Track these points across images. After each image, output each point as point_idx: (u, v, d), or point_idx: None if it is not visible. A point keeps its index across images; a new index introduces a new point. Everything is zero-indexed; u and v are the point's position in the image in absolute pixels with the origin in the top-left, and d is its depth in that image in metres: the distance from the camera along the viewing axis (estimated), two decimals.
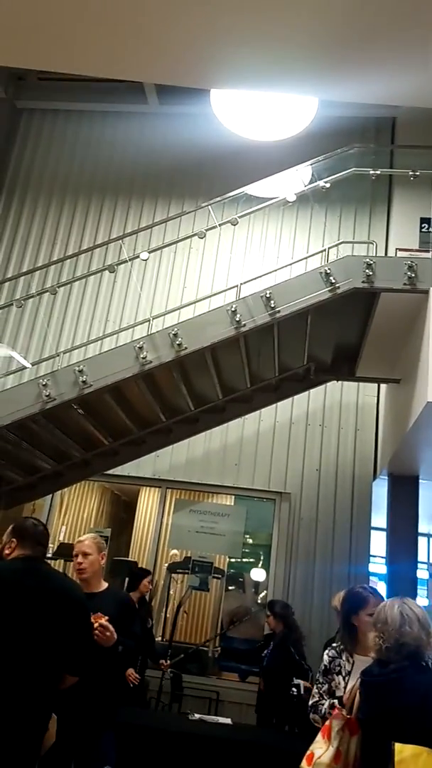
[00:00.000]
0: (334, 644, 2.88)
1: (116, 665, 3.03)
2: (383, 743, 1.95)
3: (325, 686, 2.75)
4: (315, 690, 2.79)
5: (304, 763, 2.25)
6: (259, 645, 5.13)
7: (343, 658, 2.76)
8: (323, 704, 2.70)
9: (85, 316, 6.73)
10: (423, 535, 8.29)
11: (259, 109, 5.51)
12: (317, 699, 2.76)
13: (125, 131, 7.44)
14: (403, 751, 1.87)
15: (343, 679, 2.70)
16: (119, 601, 3.10)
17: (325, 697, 2.73)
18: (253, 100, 5.38)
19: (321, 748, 2.20)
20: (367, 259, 4.05)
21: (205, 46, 3.69)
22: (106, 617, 2.83)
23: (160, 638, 6.56)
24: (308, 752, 2.26)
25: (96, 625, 2.80)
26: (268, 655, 4.65)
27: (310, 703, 2.77)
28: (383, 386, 5.85)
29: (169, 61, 3.84)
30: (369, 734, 2.09)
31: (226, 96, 5.52)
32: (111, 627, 2.82)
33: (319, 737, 2.27)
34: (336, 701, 2.61)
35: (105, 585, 3.15)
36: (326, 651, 2.84)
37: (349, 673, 2.69)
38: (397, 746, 1.88)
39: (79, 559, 3.07)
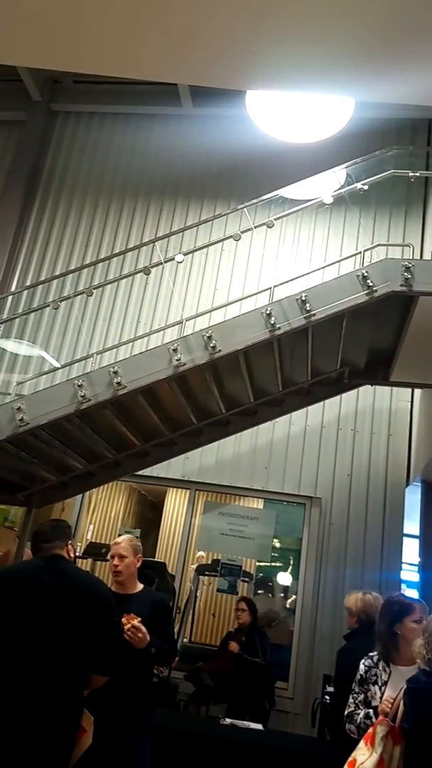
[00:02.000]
0: (371, 654, 2.83)
1: (150, 667, 3.02)
2: (430, 751, 1.93)
3: (361, 696, 2.72)
4: (351, 700, 2.76)
5: None
6: None
7: (380, 667, 2.72)
8: (359, 714, 2.67)
9: (117, 318, 6.79)
10: None
11: (294, 111, 5.49)
12: (353, 709, 2.72)
13: (159, 134, 7.49)
14: None
15: (380, 689, 2.66)
16: (154, 603, 3.10)
17: (361, 707, 2.70)
18: (288, 102, 5.36)
19: (364, 755, 2.19)
20: (406, 263, 3.99)
21: (241, 46, 3.66)
22: (139, 618, 2.83)
23: (187, 639, 6.57)
24: (350, 758, 2.26)
25: (128, 626, 2.81)
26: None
27: (346, 713, 2.74)
28: (417, 391, 5.75)
29: (203, 62, 3.82)
30: (414, 742, 2.07)
31: (261, 98, 5.51)
32: (143, 628, 2.82)
33: (361, 744, 2.26)
34: (371, 711, 2.58)
35: (141, 586, 3.16)
36: (363, 661, 2.80)
37: (385, 683, 2.65)
38: None
39: (116, 561, 3.08)
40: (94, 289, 5.34)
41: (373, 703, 2.63)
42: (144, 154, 7.46)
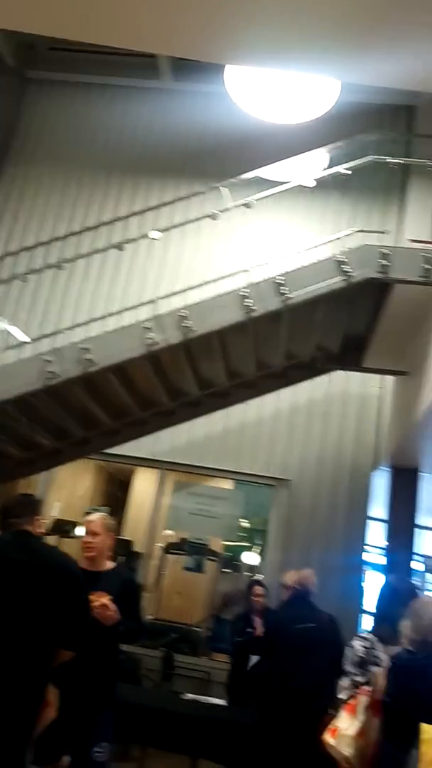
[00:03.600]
0: (364, 635, 2.87)
1: (117, 644, 3.03)
2: (408, 724, 2.00)
3: (362, 678, 2.70)
4: (348, 682, 2.78)
5: (327, 736, 2.31)
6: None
7: (379, 649, 2.75)
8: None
9: (89, 294, 6.66)
10: (421, 527, 8.36)
11: (275, 91, 5.40)
12: (353, 691, 2.75)
13: (137, 107, 7.30)
14: (429, 731, 1.95)
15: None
16: (123, 581, 3.10)
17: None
18: (269, 81, 5.27)
19: (345, 723, 2.27)
20: (383, 249, 4.01)
21: (224, 19, 3.57)
22: (109, 596, 2.83)
23: (152, 616, 6.62)
24: (332, 726, 2.34)
25: (97, 603, 2.80)
26: None
27: (345, 695, 2.77)
28: (389, 378, 5.83)
29: (185, 33, 3.71)
30: (394, 715, 2.15)
31: (242, 76, 5.40)
32: (112, 606, 2.82)
33: (343, 714, 2.33)
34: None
35: (111, 564, 3.15)
36: (357, 642, 2.82)
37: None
38: (424, 726, 1.96)
39: (88, 538, 3.07)
40: (65, 263, 5.22)
41: None
42: (120, 127, 7.27)
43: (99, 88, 7.47)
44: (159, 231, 5.03)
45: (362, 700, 2.27)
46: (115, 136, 7.26)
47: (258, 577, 5.82)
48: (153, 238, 5.11)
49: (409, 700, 2.11)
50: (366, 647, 2.78)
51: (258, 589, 4.75)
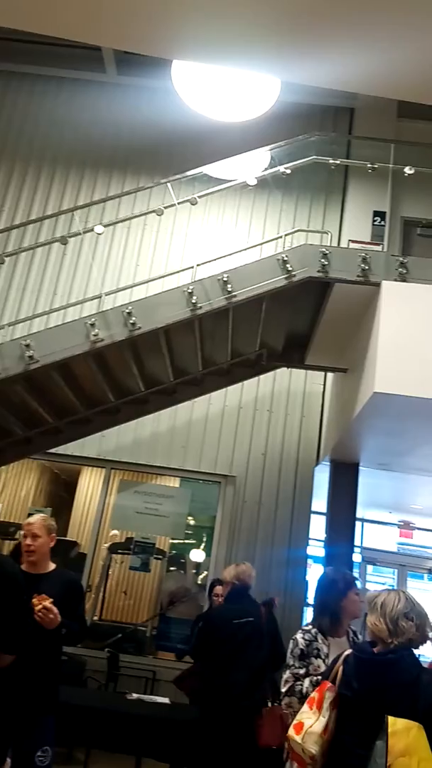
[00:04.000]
0: (305, 627, 2.91)
1: (59, 647, 2.97)
2: (373, 718, 2.01)
3: (302, 671, 2.77)
4: (289, 674, 2.80)
5: (291, 732, 2.21)
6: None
7: (320, 640, 2.81)
8: (302, 684, 2.73)
9: (31, 289, 6.49)
10: (359, 520, 8.63)
11: (221, 88, 5.42)
12: (293, 683, 2.77)
13: (82, 99, 7.16)
14: (396, 723, 1.94)
15: (323, 661, 2.75)
16: (66, 583, 3.05)
17: (302, 680, 2.75)
18: (215, 78, 5.29)
19: (310, 718, 2.17)
20: (323, 249, 4.10)
21: (165, 12, 3.54)
22: (51, 599, 2.78)
23: (97, 617, 6.54)
24: (295, 722, 2.23)
25: (39, 606, 2.75)
26: None
27: (285, 688, 2.80)
28: (330, 375, 5.97)
29: (126, 25, 3.66)
30: (357, 709, 2.11)
31: (188, 72, 5.39)
32: (54, 609, 2.77)
33: (306, 708, 2.23)
34: (319, 678, 2.58)
35: (52, 566, 3.10)
36: (299, 635, 2.86)
37: (327, 656, 2.74)
38: (390, 719, 1.95)
39: (28, 540, 3.00)
40: (6, 256, 5.07)
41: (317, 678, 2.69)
42: (64, 120, 7.11)
43: (42, 79, 7.29)
44: (103, 225, 4.95)
45: (328, 695, 2.18)
46: (59, 129, 7.11)
47: (225, 575, 5.81)
48: (97, 233, 5.04)
49: (377, 695, 2.08)
50: (307, 639, 2.83)
51: (218, 589, 4.77)
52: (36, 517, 3.12)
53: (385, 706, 2.03)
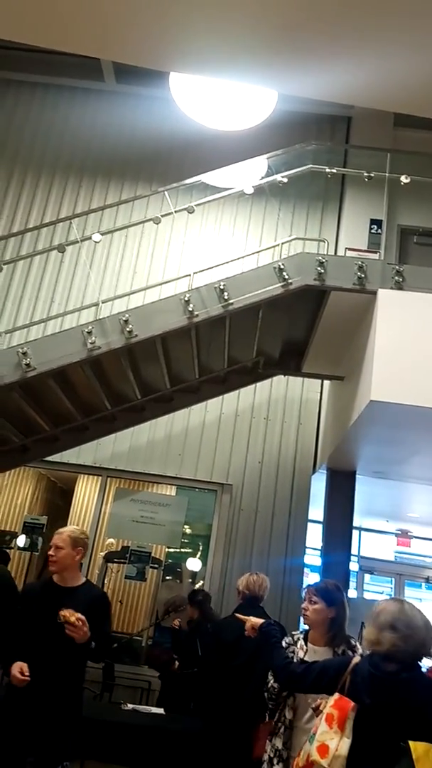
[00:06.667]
0: (293, 633, 2.92)
1: (85, 661, 2.96)
2: (388, 736, 1.98)
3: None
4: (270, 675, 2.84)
5: (316, 757, 2.05)
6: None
7: (298, 646, 2.81)
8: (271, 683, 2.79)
9: (29, 297, 6.49)
10: (355, 528, 8.59)
11: (219, 97, 5.46)
12: (271, 683, 2.81)
13: (80, 108, 7.20)
14: (417, 749, 1.90)
15: None
16: (91, 598, 3.02)
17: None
18: (213, 88, 5.33)
19: (333, 739, 2.04)
20: (320, 257, 4.11)
21: (164, 26, 3.57)
22: (79, 614, 2.77)
23: None
24: (317, 743, 2.08)
25: (72, 619, 2.74)
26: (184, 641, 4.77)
27: (268, 686, 2.82)
28: (327, 383, 5.97)
29: (125, 39, 3.70)
30: (371, 725, 2.06)
31: (186, 81, 5.43)
32: (85, 623, 2.76)
33: (324, 726, 2.09)
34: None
35: (82, 580, 3.10)
36: (285, 639, 2.87)
37: (301, 660, 2.73)
38: (411, 744, 1.90)
39: (51, 551, 3.03)
40: (4, 264, 5.08)
41: None
42: (62, 128, 7.15)
43: (41, 87, 7.33)
44: (101, 233, 4.96)
45: (351, 714, 2.05)
46: (58, 137, 7.14)
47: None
48: (95, 241, 5.05)
49: (390, 712, 2.02)
50: (287, 643, 2.83)
51: (176, 622, 4.75)
52: (64, 529, 3.13)
53: (398, 725, 2.00)
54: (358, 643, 2.82)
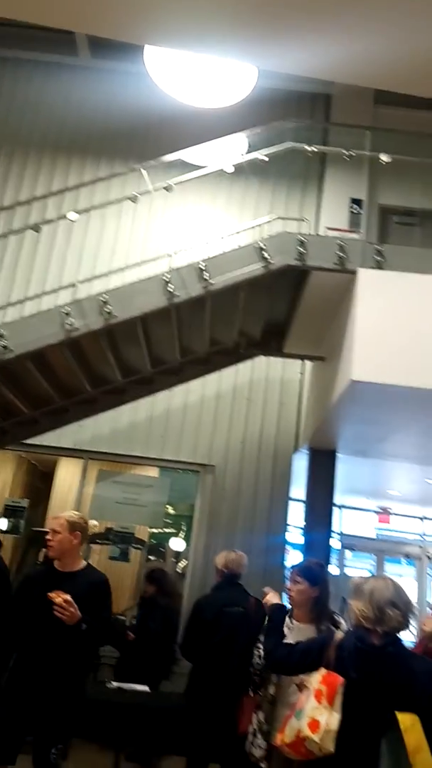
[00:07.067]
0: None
1: (81, 643, 2.94)
2: (375, 709, 2.03)
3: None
4: (257, 651, 2.90)
5: (308, 732, 2.07)
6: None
7: (286, 622, 2.86)
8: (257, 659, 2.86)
9: (4, 278, 6.37)
10: (338, 506, 8.72)
11: (197, 73, 5.35)
12: (256, 660, 2.87)
13: (55, 83, 7.01)
14: (405, 720, 1.95)
15: None
16: (91, 582, 3.03)
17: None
18: (190, 63, 5.21)
19: (323, 715, 2.07)
20: (301, 237, 4.08)
21: None
22: (67, 595, 2.79)
23: None
24: (308, 719, 2.10)
25: (58, 600, 2.76)
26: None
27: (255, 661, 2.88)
28: (308, 363, 5.99)
29: (99, 11, 3.59)
30: (358, 699, 2.10)
31: (162, 56, 5.30)
32: (73, 604, 2.77)
33: (314, 702, 2.11)
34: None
35: (82, 564, 3.11)
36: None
37: (285, 637, 2.78)
38: (399, 716, 1.95)
39: (49, 535, 3.03)
40: None
41: None
42: (36, 104, 6.96)
43: (12, 62, 7.11)
44: (77, 213, 4.87)
45: (341, 690, 2.09)
46: (32, 113, 6.95)
47: None
48: (71, 220, 4.95)
49: (377, 686, 2.06)
50: None
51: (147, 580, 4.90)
52: (65, 513, 3.13)
53: (385, 698, 2.05)
54: (341, 619, 2.87)
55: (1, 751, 2.80)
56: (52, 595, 2.77)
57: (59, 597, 2.76)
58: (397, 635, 2.17)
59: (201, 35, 3.64)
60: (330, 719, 2.07)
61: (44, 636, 2.85)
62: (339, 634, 2.34)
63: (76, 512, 3.25)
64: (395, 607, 2.15)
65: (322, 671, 2.21)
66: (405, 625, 2.17)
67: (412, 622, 2.26)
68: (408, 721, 1.95)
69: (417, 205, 6.10)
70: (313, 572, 2.93)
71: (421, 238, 6.34)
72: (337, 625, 2.84)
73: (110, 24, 3.79)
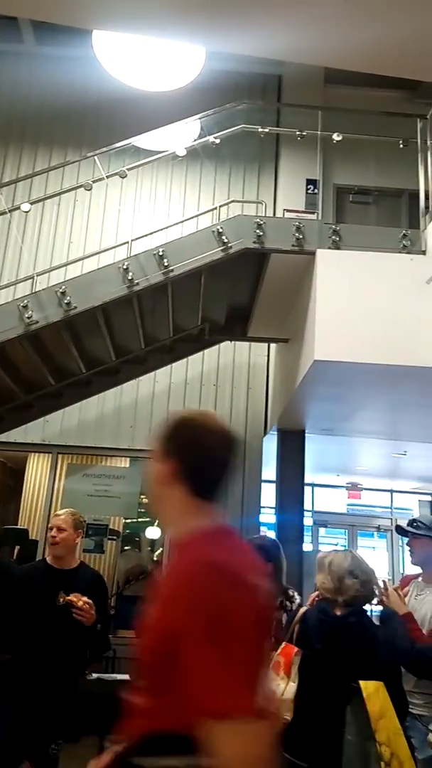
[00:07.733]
0: None
1: (89, 643, 2.94)
2: (339, 678, 2.07)
3: None
4: None
5: None
6: None
7: None
8: None
9: None
10: (308, 485, 8.86)
11: (144, 57, 5.25)
12: None
13: None
14: (368, 687, 2.01)
15: None
16: (90, 580, 3.02)
17: None
18: (138, 47, 5.11)
19: (280, 684, 2.14)
20: (258, 220, 4.09)
21: None
22: (85, 598, 2.77)
23: None
24: None
25: (79, 603, 2.74)
26: None
27: None
28: (273, 346, 6.03)
29: None
30: (322, 670, 2.15)
31: (110, 41, 5.19)
32: (87, 608, 2.75)
33: (271, 674, 2.15)
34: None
35: (78, 562, 3.09)
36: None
37: None
38: (362, 683, 2.01)
39: (53, 532, 2.99)
40: None
41: None
42: None
43: None
44: (30, 203, 4.76)
45: (296, 659, 2.16)
46: None
47: None
48: (24, 211, 4.84)
49: (341, 656, 2.12)
50: None
51: None
52: (63, 511, 3.11)
53: (349, 667, 2.10)
54: (295, 593, 2.93)
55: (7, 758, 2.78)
56: (72, 598, 2.74)
57: (80, 600, 2.74)
58: (361, 607, 2.23)
59: (148, 18, 3.58)
60: (286, 688, 2.15)
61: (50, 636, 2.80)
62: (302, 609, 2.40)
63: (74, 510, 3.24)
64: (353, 576, 2.21)
65: (283, 645, 2.28)
66: (366, 594, 2.23)
67: (376, 592, 2.33)
68: (371, 688, 2.03)
69: (371, 184, 6.16)
70: (266, 549, 2.97)
71: (376, 216, 6.42)
72: (291, 600, 2.89)
73: (54, 9, 3.69)
